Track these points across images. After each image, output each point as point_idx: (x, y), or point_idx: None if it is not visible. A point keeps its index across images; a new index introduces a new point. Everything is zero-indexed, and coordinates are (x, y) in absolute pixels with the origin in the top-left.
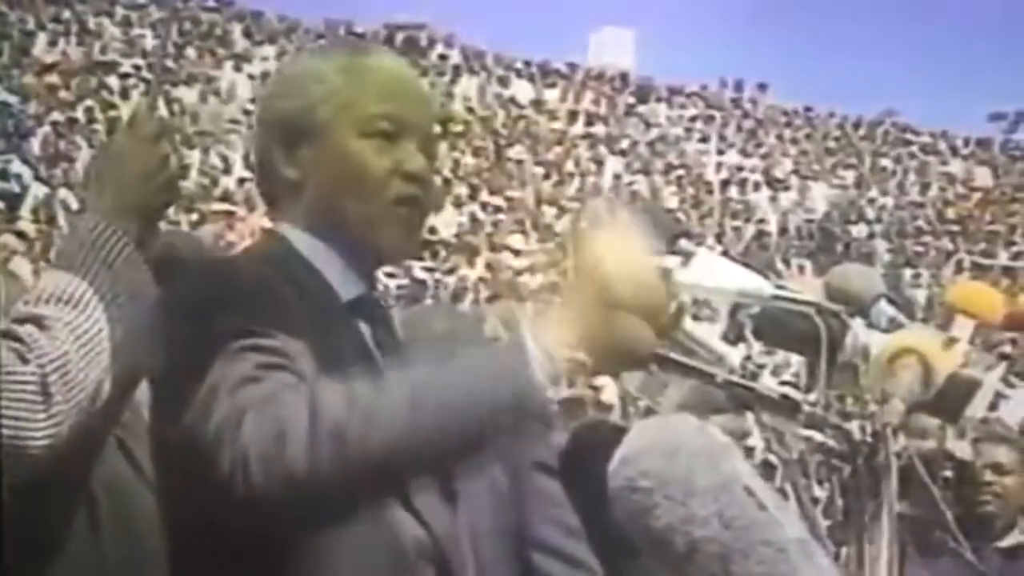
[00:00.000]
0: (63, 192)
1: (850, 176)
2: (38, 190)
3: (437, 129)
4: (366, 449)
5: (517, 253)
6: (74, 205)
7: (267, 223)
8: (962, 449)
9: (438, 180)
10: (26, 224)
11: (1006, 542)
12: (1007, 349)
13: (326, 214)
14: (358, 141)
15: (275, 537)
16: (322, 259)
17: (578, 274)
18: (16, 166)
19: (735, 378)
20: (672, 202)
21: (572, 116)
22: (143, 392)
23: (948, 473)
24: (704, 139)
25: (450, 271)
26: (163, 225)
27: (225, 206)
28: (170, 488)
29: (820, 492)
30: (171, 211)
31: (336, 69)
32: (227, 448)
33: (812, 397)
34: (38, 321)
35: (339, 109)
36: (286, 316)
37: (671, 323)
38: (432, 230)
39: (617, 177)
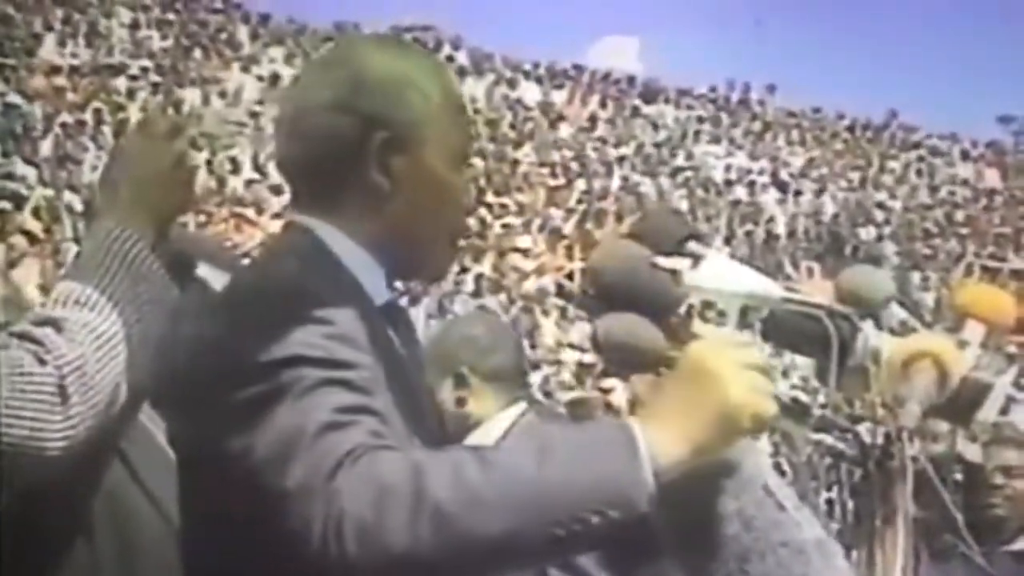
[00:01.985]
0: (68, 195)
1: (859, 178)
2: (43, 192)
3: None
4: (468, 537)
5: (526, 253)
6: (78, 208)
7: (275, 225)
8: (972, 452)
9: None
10: (34, 225)
11: (1017, 545)
12: (1012, 350)
13: (402, 232)
14: (452, 172)
15: None
16: (356, 261)
17: (687, 374)
18: (21, 167)
19: None
20: (680, 204)
21: (579, 118)
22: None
23: (958, 476)
24: (714, 140)
25: (460, 271)
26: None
27: (238, 210)
28: (202, 517)
29: (830, 495)
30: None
31: (437, 85)
32: (319, 504)
33: (822, 400)
34: (56, 323)
35: (440, 132)
36: (349, 328)
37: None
38: None
39: (624, 179)
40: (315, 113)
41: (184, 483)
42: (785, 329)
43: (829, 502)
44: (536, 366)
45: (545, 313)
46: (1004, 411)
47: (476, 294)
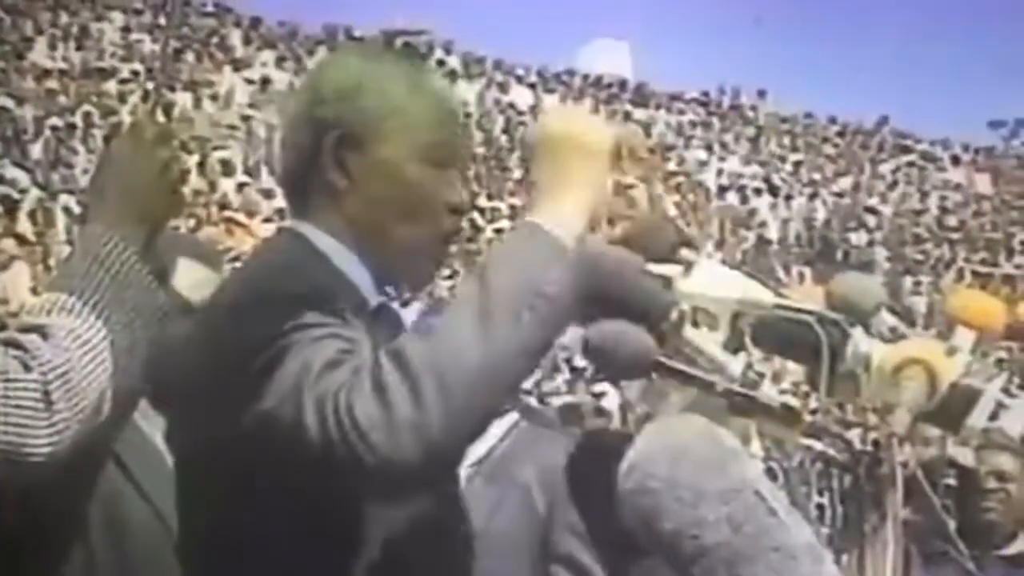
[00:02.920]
0: (64, 197)
1: (850, 183)
2: (36, 195)
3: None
4: (463, 371)
5: None
6: (76, 210)
7: (266, 229)
8: (965, 456)
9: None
10: (26, 228)
11: (1010, 550)
12: (1002, 355)
13: (366, 228)
14: (416, 166)
15: (398, 496)
16: (348, 264)
17: (541, 148)
18: (11, 171)
19: (735, 387)
20: (671, 209)
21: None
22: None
23: (952, 481)
24: (706, 146)
25: (451, 276)
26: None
27: (228, 214)
28: (225, 482)
29: (821, 500)
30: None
31: (400, 82)
32: (331, 422)
33: (812, 406)
34: (41, 330)
35: (401, 127)
36: (343, 308)
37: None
38: None
39: (615, 183)
40: (286, 127)
41: (195, 479)
42: (776, 335)
43: (820, 507)
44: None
45: None
46: (993, 417)
47: None
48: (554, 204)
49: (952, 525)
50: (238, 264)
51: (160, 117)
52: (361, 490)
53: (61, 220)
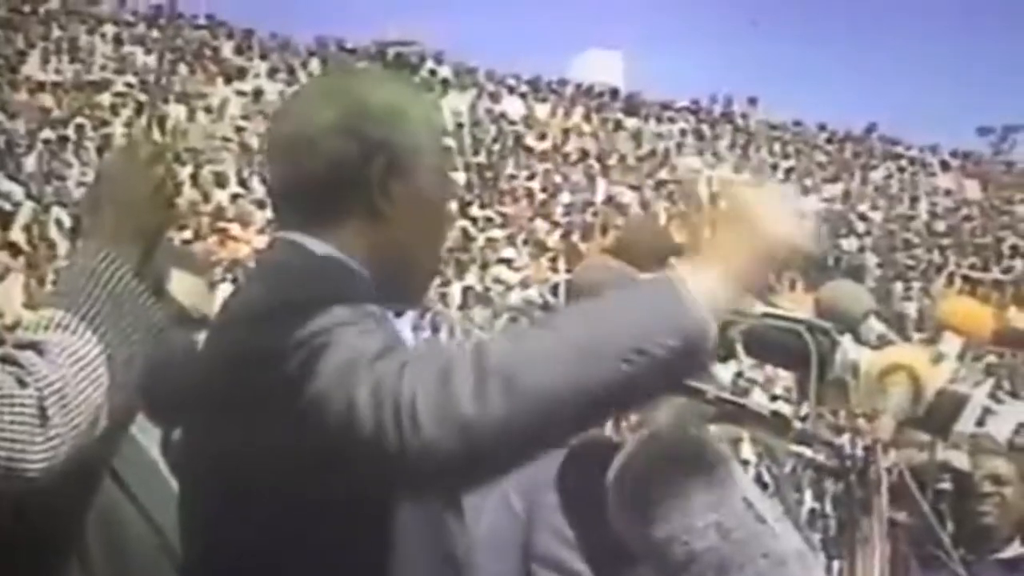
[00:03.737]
0: (56, 210)
1: (840, 190)
2: (30, 207)
3: None
4: (536, 390)
5: (510, 264)
6: (67, 222)
7: (260, 240)
8: (960, 460)
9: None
10: (20, 239)
11: (1006, 554)
12: (992, 359)
13: (397, 254)
14: (439, 196)
15: (426, 495)
16: (342, 272)
17: (725, 222)
18: (4, 184)
19: (725, 394)
20: (663, 216)
21: (563, 132)
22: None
23: (947, 485)
24: (697, 153)
25: (442, 284)
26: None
27: (222, 224)
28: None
29: (812, 506)
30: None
31: (429, 119)
32: (389, 405)
33: (802, 413)
34: (37, 347)
35: (432, 161)
36: (371, 307)
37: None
38: None
39: (608, 192)
40: (318, 136)
41: (205, 490)
42: (766, 343)
43: (812, 513)
44: None
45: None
46: (981, 423)
47: (463, 307)
48: (709, 274)
49: (948, 529)
50: (227, 272)
51: (156, 131)
52: (394, 479)
53: (54, 232)
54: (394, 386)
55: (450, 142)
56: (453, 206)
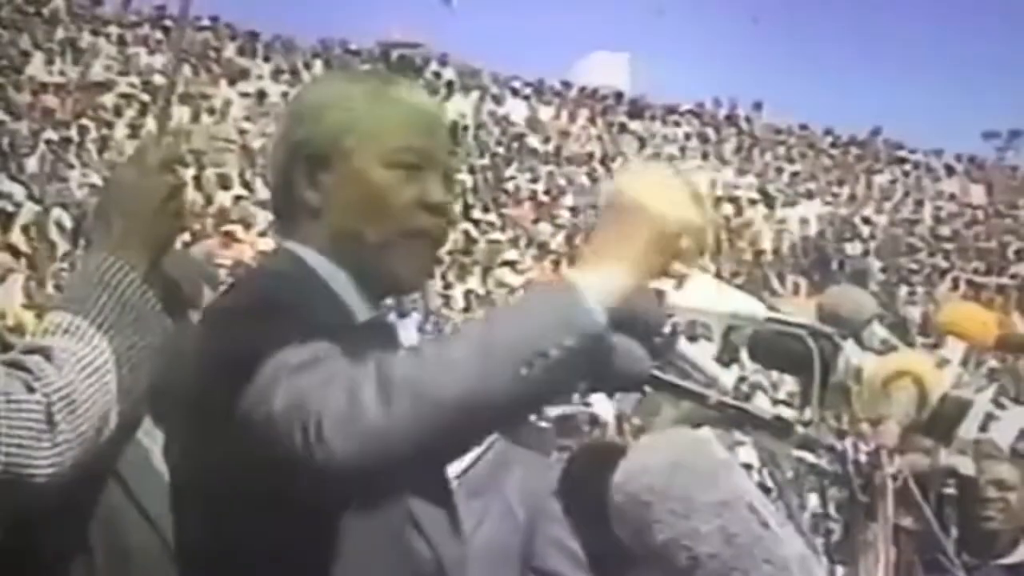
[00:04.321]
0: (57, 211)
1: (844, 194)
2: (31, 208)
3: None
4: (440, 396)
5: (514, 266)
6: (68, 224)
7: (262, 242)
8: (965, 465)
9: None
10: (20, 241)
11: (1011, 559)
12: (994, 364)
13: (344, 240)
14: (382, 171)
15: (344, 505)
16: (337, 281)
17: (610, 209)
18: (6, 184)
19: (728, 399)
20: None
21: (566, 134)
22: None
23: (951, 490)
24: (702, 157)
25: (445, 288)
26: None
27: (226, 228)
28: (215, 492)
29: (815, 512)
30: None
31: (363, 98)
32: (298, 420)
33: (805, 417)
34: (45, 352)
35: (364, 138)
36: (325, 323)
37: (707, 242)
38: None
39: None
40: (270, 154)
41: (185, 492)
42: (770, 348)
43: (815, 518)
44: None
45: None
46: (984, 428)
47: (467, 310)
48: (600, 269)
49: (953, 534)
50: (231, 275)
51: (167, 137)
52: (310, 490)
53: (55, 234)
54: (305, 402)
55: (415, 110)
56: (403, 178)
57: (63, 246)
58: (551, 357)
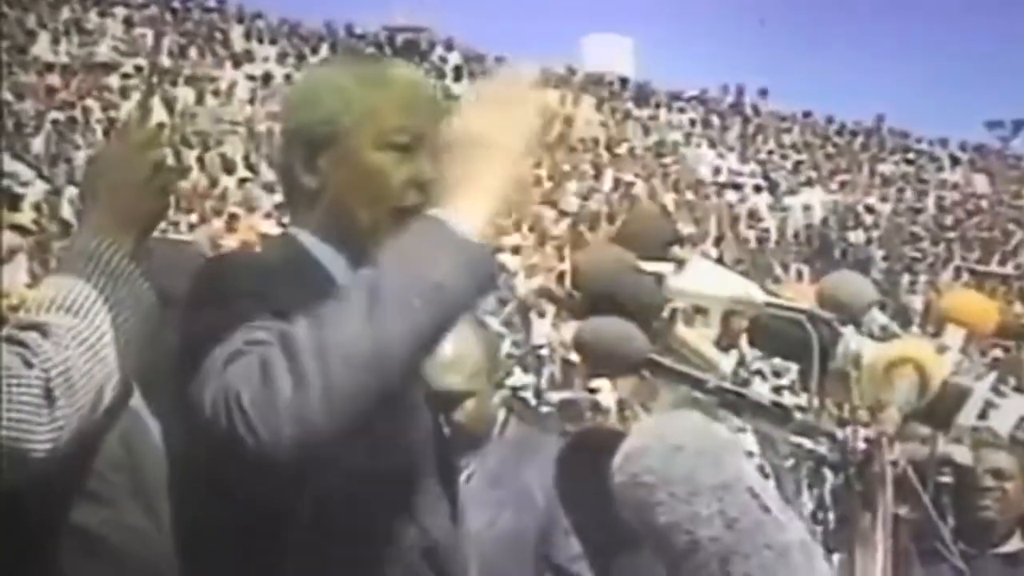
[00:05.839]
0: (70, 190)
1: (849, 182)
2: (41, 188)
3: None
4: (346, 353)
5: (517, 251)
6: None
7: (267, 225)
8: (962, 454)
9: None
10: (26, 220)
11: (1007, 548)
12: (998, 354)
13: (339, 221)
14: (376, 152)
15: (286, 493)
16: (333, 263)
17: (459, 145)
18: (10, 164)
19: (726, 384)
20: (670, 206)
21: (570, 120)
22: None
23: (948, 479)
24: (711, 143)
25: None
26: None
27: (232, 210)
28: (183, 480)
29: (812, 498)
30: (170, 212)
31: (356, 81)
32: (223, 410)
33: (803, 403)
34: (42, 328)
35: (359, 120)
36: (296, 310)
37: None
38: None
39: (616, 181)
40: (277, 141)
41: (171, 474)
42: (769, 334)
43: (813, 505)
44: (525, 368)
45: (541, 315)
46: (983, 416)
47: None
48: (458, 200)
49: (950, 523)
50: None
51: (157, 113)
52: (248, 477)
53: (68, 212)
54: (227, 391)
55: (409, 92)
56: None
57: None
58: (442, 284)
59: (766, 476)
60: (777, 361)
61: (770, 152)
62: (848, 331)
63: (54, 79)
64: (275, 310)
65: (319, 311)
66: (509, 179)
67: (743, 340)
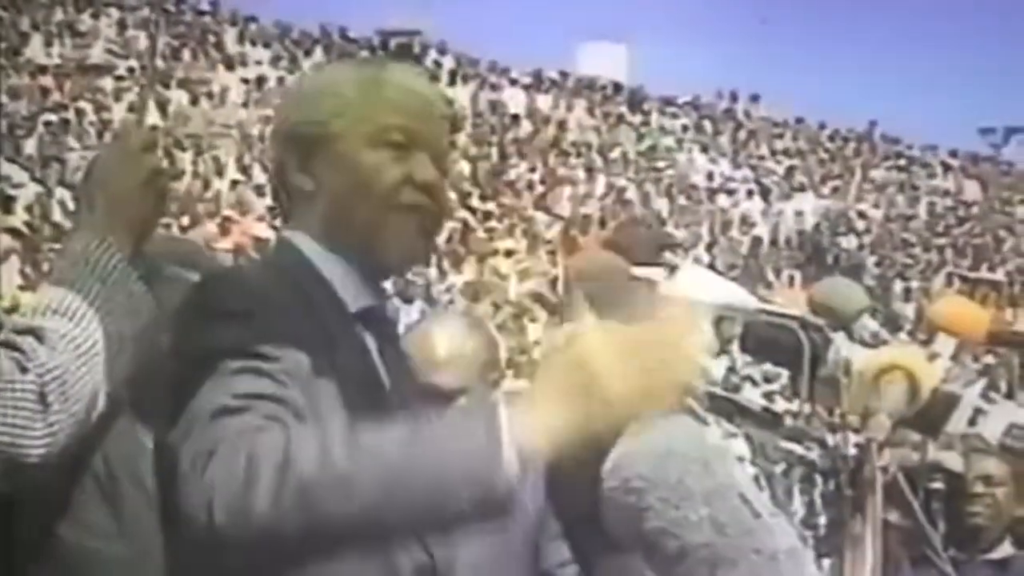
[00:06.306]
0: (60, 191)
1: (840, 187)
2: (34, 190)
3: (448, 141)
4: (330, 513)
5: (509, 254)
6: (71, 205)
7: (260, 227)
8: (953, 461)
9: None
10: (19, 223)
11: (996, 554)
12: (990, 360)
13: (336, 222)
14: (370, 152)
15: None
16: (331, 268)
17: (565, 363)
18: (4, 166)
19: (717, 389)
20: (663, 211)
21: (564, 124)
22: None
23: (939, 485)
24: (704, 149)
25: (440, 275)
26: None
27: (226, 212)
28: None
29: (802, 504)
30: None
31: (350, 82)
32: (195, 483)
33: (794, 409)
34: (37, 333)
35: (353, 121)
36: (290, 327)
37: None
38: None
39: (608, 186)
40: (269, 148)
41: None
42: (760, 340)
43: (807, 509)
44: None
45: (533, 320)
46: (972, 422)
47: (475, 299)
48: (539, 414)
49: (940, 529)
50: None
51: (151, 117)
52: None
53: (58, 215)
54: (203, 466)
55: (405, 92)
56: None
57: (68, 227)
58: (448, 507)
59: (757, 482)
60: (768, 367)
61: (762, 158)
62: (839, 337)
63: (47, 81)
64: (263, 332)
65: (332, 453)
66: (594, 413)
67: (734, 345)
